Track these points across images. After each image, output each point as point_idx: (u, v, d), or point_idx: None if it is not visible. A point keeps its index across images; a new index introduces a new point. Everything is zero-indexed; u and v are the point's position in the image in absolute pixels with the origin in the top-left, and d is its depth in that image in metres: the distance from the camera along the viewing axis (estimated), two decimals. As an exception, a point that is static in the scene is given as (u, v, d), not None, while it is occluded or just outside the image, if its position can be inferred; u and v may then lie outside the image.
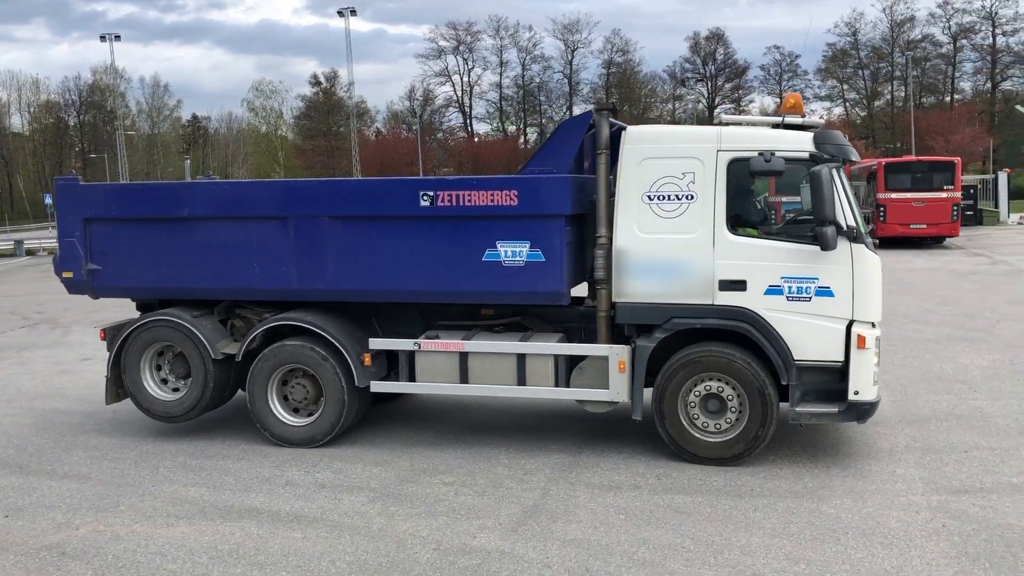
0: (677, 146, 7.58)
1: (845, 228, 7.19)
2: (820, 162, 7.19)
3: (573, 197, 7.57)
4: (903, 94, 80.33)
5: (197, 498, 7.12)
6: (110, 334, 8.87)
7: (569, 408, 9.60)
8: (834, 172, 7.18)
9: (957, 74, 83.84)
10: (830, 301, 7.27)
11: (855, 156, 7.53)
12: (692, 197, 7.40)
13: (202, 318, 8.56)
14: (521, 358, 7.86)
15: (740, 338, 7.50)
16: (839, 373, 7.32)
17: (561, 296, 7.71)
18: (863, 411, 7.28)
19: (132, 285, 8.73)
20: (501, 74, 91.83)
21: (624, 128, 7.77)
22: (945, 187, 28.92)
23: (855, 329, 7.23)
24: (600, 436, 8.54)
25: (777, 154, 7.14)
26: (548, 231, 7.55)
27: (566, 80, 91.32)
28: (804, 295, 7.30)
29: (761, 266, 7.36)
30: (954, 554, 5.73)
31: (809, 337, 7.31)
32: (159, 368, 8.82)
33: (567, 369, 7.88)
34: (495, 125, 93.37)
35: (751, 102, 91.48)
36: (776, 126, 7.66)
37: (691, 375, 7.52)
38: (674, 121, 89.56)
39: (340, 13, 72.26)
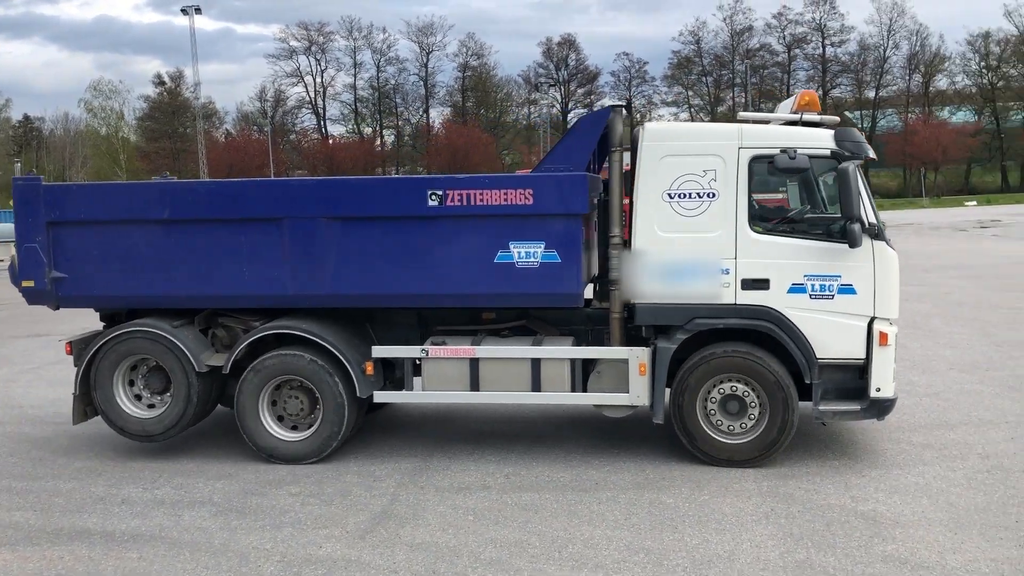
0: (698, 143, 7.49)
1: (867, 225, 7.21)
2: (841, 159, 7.19)
3: (589, 196, 7.46)
4: (744, 100, 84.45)
5: (23, 523, 6.69)
6: (77, 348, 8.18)
7: (420, 412, 9.61)
8: (858, 169, 7.24)
9: (792, 81, 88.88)
10: (852, 299, 7.27)
11: (872, 153, 7.46)
12: (713, 195, 7.31)
13: (182, 328, 8.00)
14: (536, 363, 7.61)
15: (757, 337, 7.46)
16: (858, 370, 7.38)
17: (577, 298, 7.55)
18: (884, 408, 7.34)
19: (102, 294, 8.10)
20: (355, 75, 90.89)
21: (641, 126, 7.68)
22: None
23: (876, 326, 7.25)
24: (451, 439, 8.58)
25: (799, 151, 7.12)
26: (564, 231, 7.36)
27: (422, 82, 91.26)
28: (827, 293, 7.29)
29: (784, 264, 7.32)
30: (780, 535, 6.08)
31: (832, 335, 7.31)
32: (132, 383, 8.21)
33: (583, 373, 7.70)
34: (350, 127, 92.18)
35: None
36: (794, 123, 7.60)
37: (710, 376, 7.43)
38: (530, 125, 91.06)
39: (184, 11, 69.56)
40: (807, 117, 7.51)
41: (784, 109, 8.22)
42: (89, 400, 8.18)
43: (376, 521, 6.52)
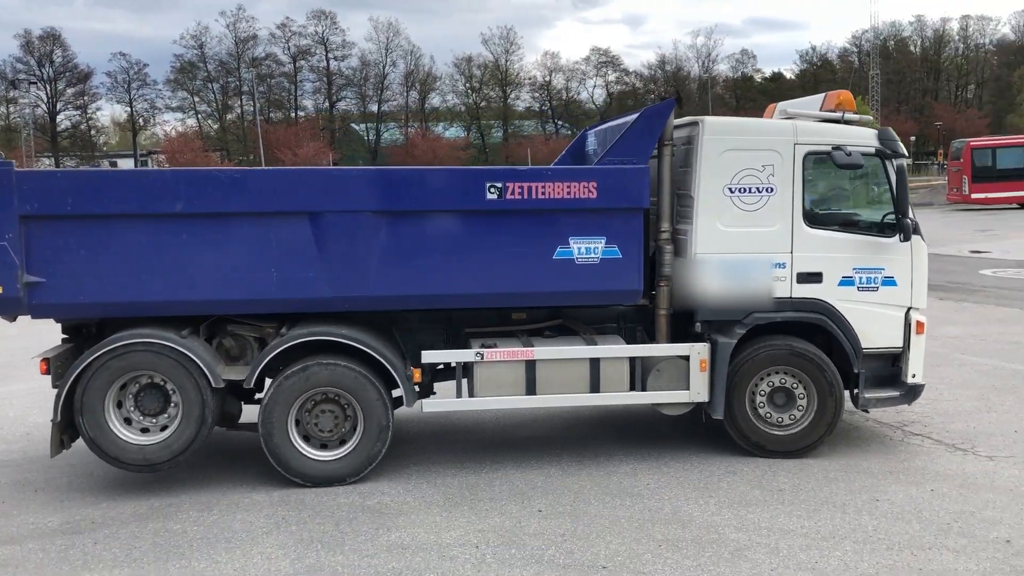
0: (757, 138, 7.53)
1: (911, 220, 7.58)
2: (884, 157, 7.60)
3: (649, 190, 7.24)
4: (252, 108, 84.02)
5: None
6: (57, 365, 6.95)
7: None
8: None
9: (299, 92, 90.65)
10: (894, 290, 7.63)
11: (905, 152, 7.76)
12: (772, 190, 7.41)
13: (190, 339, 6.96)
14: (595, 363, 7.35)
15: (803, 329, 7.64)
16: (891, 359, 7.75)
17: (638, 295, 7.40)
18: (916, 393, 7.77)
19: (89, 301, 6.86)
20: None
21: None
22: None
23: (912, 316, 7.65)
24: (-96, 497, 7.18)
25: (851, 149, 7.40)
26: (627, 226, 7.19)
27: None
28: (872, 285, 7.59)
29: (835, 258, 7.55)
30: (292, 543, 6.09)
31: (876, 325, 7.62)
32: (119, 405, 6.99)
33: (642, 372, 7.45)
34: None
35: (99, 110, 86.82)
36: (837, 121, 7.80)
37: (759, 369, 7.55)
38: (9, 126, 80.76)
39: None
40: (849, 116, 7.87)
41: (810, 106, 8.31)
42: (66, 427, 6.96)
43: None
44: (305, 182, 7.16)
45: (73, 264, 6.77)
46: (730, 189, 7.42)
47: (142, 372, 7.00)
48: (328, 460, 7.18)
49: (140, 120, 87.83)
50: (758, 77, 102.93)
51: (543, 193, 7.10)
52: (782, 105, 8.69)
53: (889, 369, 7.85)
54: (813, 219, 7.62)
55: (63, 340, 7.44)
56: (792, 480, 7.15)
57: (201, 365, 6.91)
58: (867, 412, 8.38)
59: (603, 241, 7.21)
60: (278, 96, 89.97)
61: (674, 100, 7.63)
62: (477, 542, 6.05)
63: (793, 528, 6.21)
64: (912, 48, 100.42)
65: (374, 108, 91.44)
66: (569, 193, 7.11)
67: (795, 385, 7.65)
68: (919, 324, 7.68)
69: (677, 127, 7.70)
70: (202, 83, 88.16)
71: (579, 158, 9.32)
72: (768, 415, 7.65)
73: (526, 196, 7.07)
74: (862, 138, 7.69)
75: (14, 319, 7.18)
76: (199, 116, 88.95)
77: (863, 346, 7.64)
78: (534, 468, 7.53)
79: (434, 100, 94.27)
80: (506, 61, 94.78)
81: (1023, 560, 5.64)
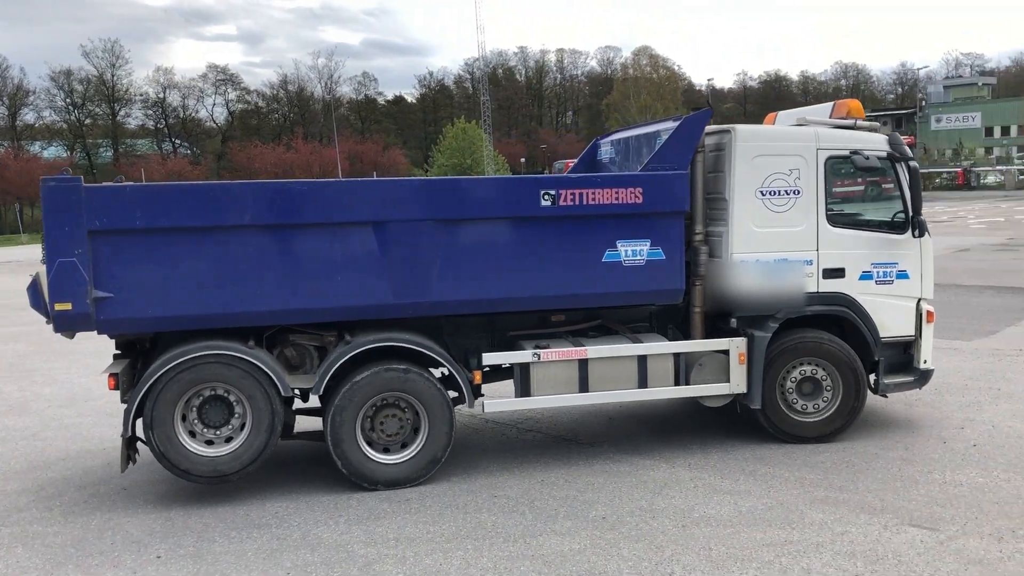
0: (784, 144, 8.04)
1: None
2: (893, 160, 8.22)
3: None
4: None
5: None
6: (124, 379, 6.93)
7: None
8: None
9: None
10: (906, 283, 8.29)
11: (912, 154, 8.31)
12: (798, 192, 7.93)
13: (257, 349, 7.02)
14: (642, 360, 7.72)
15: (823, 321, 8.17)
16: (902, 347, 8.38)
17: (680, 294, 7.79)
18: (927, 378, 8.48)
19: (156, 315, 6.83)
20: None
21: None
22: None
23: (923, 306, 8.36)
24: None
25: (868, 152, 8.00)
26: (669, 229, 7.58)
27: None
28: (888, 279, 8.21)
29: (856, 254, 8.14)
30: None
31: (892, 316, 8.26)
32: (183, 418, 6.97)
33: (685, 367, 7.83)
34: None
35: None
36: (849, 127, 8.33)
37: (789, 361, 8.06)
38: None
39: None
40: (861, 123, 8.42)
41: (820, 114, 8.75)
42: (134, 442, 7.00)
43: None
44: (371, 193, 7.32)
45: (141, 278, 6.78)
46: (761, 192, 7.95)
47: (207, 384, 7.03)
48: (393, 463, 7.40)
49: None
50: (381, 100, 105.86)
51: (593, 199, 7.44)
52: (793, 113, 9.38)
53: (901, 356, 8.54)
54: (834, 219, 8.22)
55: (115, 356, 7.45)
56: (418, 488, 7.41)
57: (271, 375, 7.04)
58: (886, 397, 8.84)
59: (648, 243, 7.61)
60: None
61: (710, 109, 7.94)
62: (86, 602, 5.50)
63: (419, 535, 6.43)
64: (518, 77, 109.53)
65: (-49, 125, 79.86)
66: (617, 199, 7.47)
67: (820, 373, 8.21)
68: (929, 313, 8.45)
69: (707, 134, 8.07)
70: None
71: (592, 166, 9.84)
72: (797, 404, 8.21)
73: (578, 202, 7.41)
74: (875, 143, 8.35)
75: (73, 336, 7.12)
76: None
77: (881, 335, 8.30)
78: (151, 513, 7.03)
79: (28, 116, 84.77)
80: (113, 76, 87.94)
81: (615, 532, 6.36)
